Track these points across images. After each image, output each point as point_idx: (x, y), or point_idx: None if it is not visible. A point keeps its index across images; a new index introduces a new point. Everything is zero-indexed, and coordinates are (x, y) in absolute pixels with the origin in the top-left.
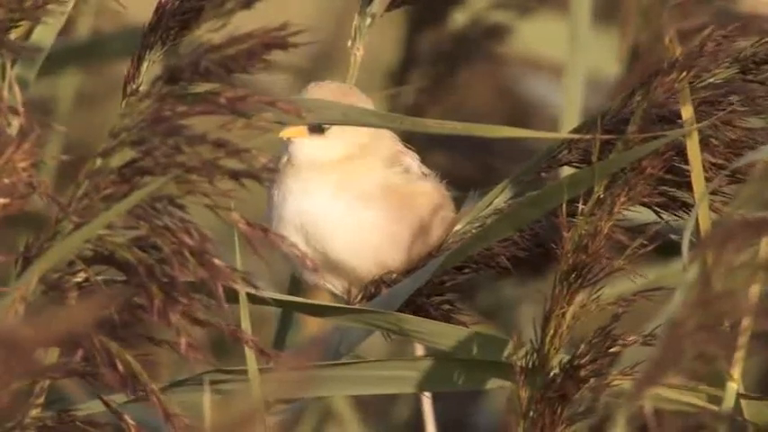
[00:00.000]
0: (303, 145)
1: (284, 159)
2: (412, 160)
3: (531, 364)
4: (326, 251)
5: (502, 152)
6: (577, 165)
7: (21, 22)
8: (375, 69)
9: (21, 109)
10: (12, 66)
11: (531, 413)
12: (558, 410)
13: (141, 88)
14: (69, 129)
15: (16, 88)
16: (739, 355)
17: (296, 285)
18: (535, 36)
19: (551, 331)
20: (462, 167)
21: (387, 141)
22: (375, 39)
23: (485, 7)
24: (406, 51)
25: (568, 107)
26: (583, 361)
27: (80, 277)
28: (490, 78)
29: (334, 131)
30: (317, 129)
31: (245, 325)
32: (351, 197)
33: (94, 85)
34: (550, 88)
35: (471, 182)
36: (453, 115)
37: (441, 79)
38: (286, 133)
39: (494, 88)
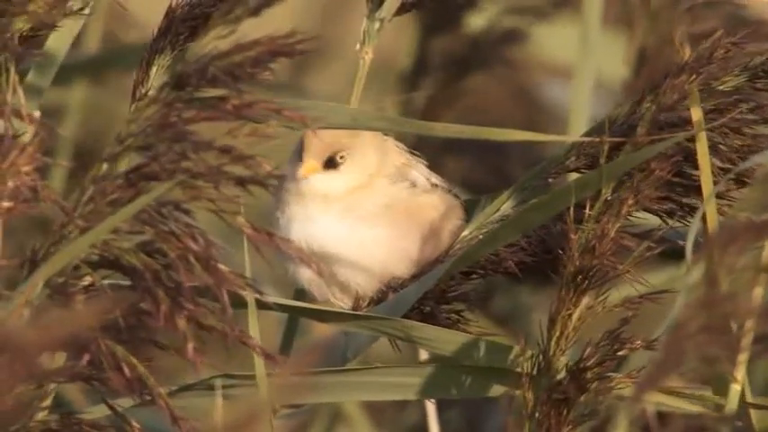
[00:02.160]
0: (317, 179)
1: (290, 187)
2: (418, 173)
3: (536, 365)
4: (334, 270)
5: (515, 156)
6: (585, 171)
7: (31, 29)
8: (388, 73)
9: (24, 113)
10: (16, 70)
11: (537, 414)
12: (564, 412)
13: (150, 93)
14: (81, 138)
15: (20, 92)
16: (743, 357)
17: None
18: (549, 40)
19: (557, 333)
20: (475, 172)
21: (391, 156)
22: (388, 43)
23: (499, 12)
24: (420, 56)
25: (576, 111)
26: (589, 363)
27: (86, 281)
28: (504, 83)
29: (348, 165)
30: (331, 163)
31: (255, 332)
32: (355, 218)
33: (106, 95)
34: (564, 92)
35: (484, 186)
36: (467, 120)
37: (454, 84)
38: (304, 173)
39: (508, 93)
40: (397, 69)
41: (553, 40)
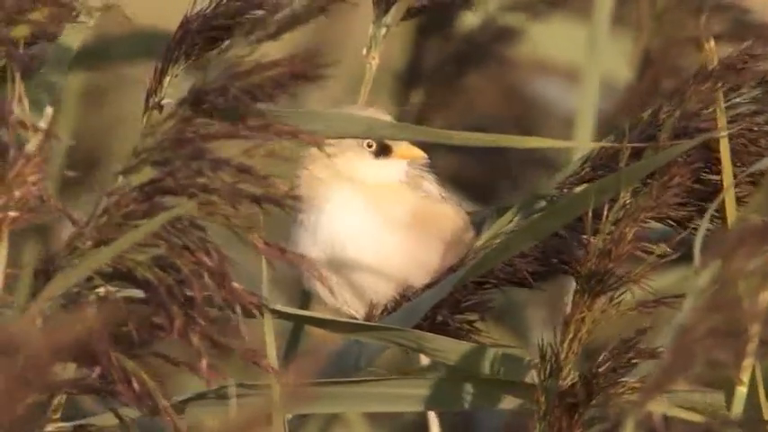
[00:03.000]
0: (371, 166)
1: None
2: (430, 184)
3: (549, 367)
4: (351, 275)
5: (510, 154)
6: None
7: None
8: (385, 72)
9: (29, 123)
10: (21, 78)
11: (548, 418)
12: (575, 416)
13: (164, 102)
14: (73, 127)
15: (25, 102)
16: (749, 360)
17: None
18: (545, 39)
19: (570, 335)
20: (470, 170)
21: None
22: (384, 41)
23: (495, 10)
24: (416, 54)
25: (583, 115)
26: (602, 368)
27: (99, 293)
28: (500, 81)
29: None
30: (384, 151)
31: (271, 350)
32: (381, 222)
33: (98, 84)
34: (560, 91)
35: (479, 183)
36: (463, 118)
37: (450, 82)
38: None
39: (503, 91)
40: (392, 70)
41: (550, 39)
